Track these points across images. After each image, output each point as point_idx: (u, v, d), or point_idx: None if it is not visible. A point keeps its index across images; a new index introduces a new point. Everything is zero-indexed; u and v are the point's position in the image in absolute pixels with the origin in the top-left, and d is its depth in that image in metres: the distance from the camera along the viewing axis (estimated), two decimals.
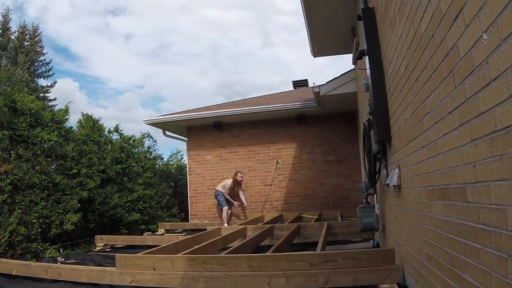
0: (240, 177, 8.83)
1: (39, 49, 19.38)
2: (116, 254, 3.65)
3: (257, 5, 65.92)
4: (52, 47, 36.83)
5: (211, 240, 4.65)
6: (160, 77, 64.35)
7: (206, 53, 70.84)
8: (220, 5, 65.77)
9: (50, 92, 19.26)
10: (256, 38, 75.48)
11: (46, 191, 6.34)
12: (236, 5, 66.47)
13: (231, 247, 4.41)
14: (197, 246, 4.17)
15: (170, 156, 14.45)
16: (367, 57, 3.32)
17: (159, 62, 64.25)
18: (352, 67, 7.08)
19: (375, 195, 4.37)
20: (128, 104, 47.43)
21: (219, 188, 8.84)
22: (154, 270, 3.37)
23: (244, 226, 5.93)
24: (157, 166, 11.34)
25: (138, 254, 3.62)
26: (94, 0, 46.00)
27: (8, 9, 19.03)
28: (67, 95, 30.63)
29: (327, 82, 7.43)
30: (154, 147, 12.75)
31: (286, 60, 69.47)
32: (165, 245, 4.30)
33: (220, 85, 66.20)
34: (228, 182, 8.87)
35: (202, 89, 65.26)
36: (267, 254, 3.45)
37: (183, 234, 6.37)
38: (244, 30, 72.32)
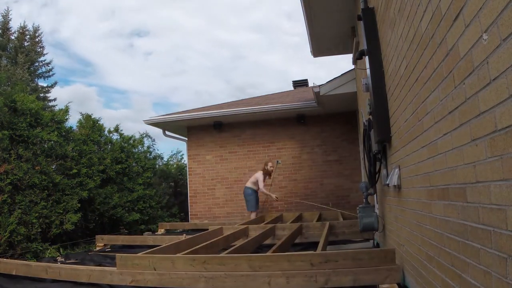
0: (270, 166, 8.07)
1: (39, 50, 19.40)
2: (117, 254, 3.64)
3: (266, 27, 69.23)
4: (79, 62, 42.61)
5: (212, 240, 4.65)
6: (174, 83, 67.42)
7: (218, 65, 74.02)
8: (231, 27, 70.01)
9: (50, 92, 19.29)
10: (264, 52, 78.93)
11: (46, 191, 6.34)
12: (245, 27, 70.43)
13: (232, 247, 4.40)
14: (198, 246, 4.16)
15: (170, 156, 14.48)
16: (367, 57, 3.32)
17: (174, 71, 67.44)
18: (350, 68, 7.08)
19: (375, 195, 4.38)
20: (141, 108, 49.78)
21: (249, 185, 7.85)
22: (155, 270, 3.36)
23: (246, 226, 5.93)
24: (157, 166, 11.34)
25: (139, 254, 3.61)
26: (121, 25, 51.20)
27: (8, 9, 19.02)
28: (84, 100, 33.26)
29: (327, 82, 7.44)
30: (153, 146, 12.72)
31: (291, 72, 71.98)
32: (166, 245, 4.29)
33: (234, 88, 67.98)
34: (259, 176, 7.86)
35: (216, 92, 67.30)
36: (267, 254, 3.45)
37: (184, 234, 6.36)
38: (253, 45, 75.73)
